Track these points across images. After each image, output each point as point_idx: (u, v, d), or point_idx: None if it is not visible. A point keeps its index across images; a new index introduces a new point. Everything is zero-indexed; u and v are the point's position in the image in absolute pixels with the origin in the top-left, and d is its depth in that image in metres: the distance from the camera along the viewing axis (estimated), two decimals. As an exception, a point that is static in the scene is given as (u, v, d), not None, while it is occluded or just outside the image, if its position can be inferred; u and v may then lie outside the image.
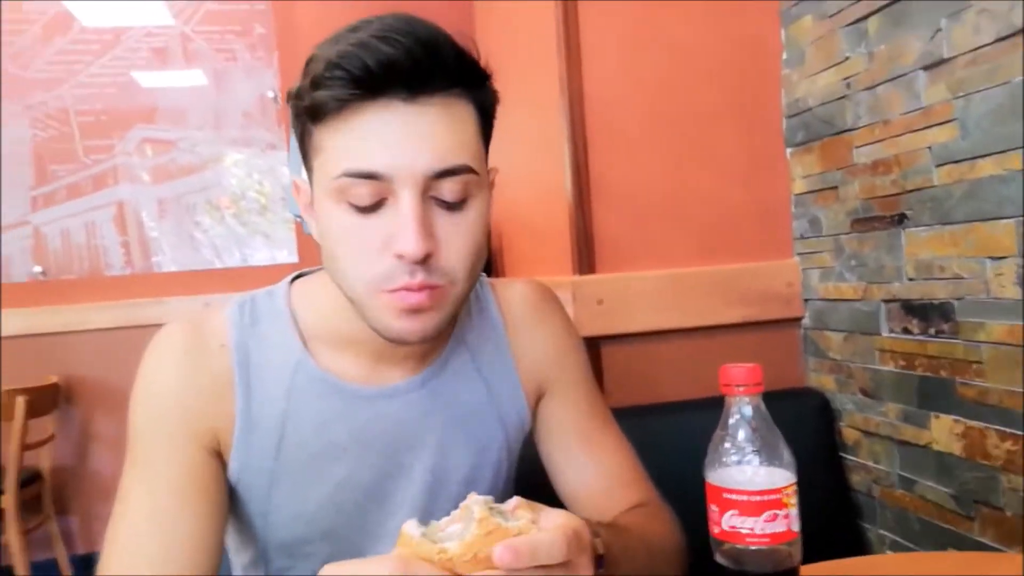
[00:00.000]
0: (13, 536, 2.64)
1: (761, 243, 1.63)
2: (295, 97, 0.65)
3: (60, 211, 3.10)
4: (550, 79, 1.60)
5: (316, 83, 0.61)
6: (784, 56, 1.61)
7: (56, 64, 3.09)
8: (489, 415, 0.82)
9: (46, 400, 2.84)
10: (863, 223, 1.41)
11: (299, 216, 2.32)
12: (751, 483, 0.61)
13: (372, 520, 0.77)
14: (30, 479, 2.81)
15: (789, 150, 1.63)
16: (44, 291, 3.08)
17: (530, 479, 0.87)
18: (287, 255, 3.27)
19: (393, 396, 0.77)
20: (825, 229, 1.53)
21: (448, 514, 0.56)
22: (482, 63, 0.66)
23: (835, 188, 1.48)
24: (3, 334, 3.01)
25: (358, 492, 0.76)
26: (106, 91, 3.13)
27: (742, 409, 0.63)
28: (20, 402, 2.62)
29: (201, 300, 3.12)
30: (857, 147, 1.41)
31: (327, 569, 0.51)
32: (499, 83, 0.70)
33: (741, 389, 0.62)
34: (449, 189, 0.63)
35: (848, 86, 1.41)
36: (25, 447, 2.66)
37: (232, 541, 0.82)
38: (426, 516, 0.76)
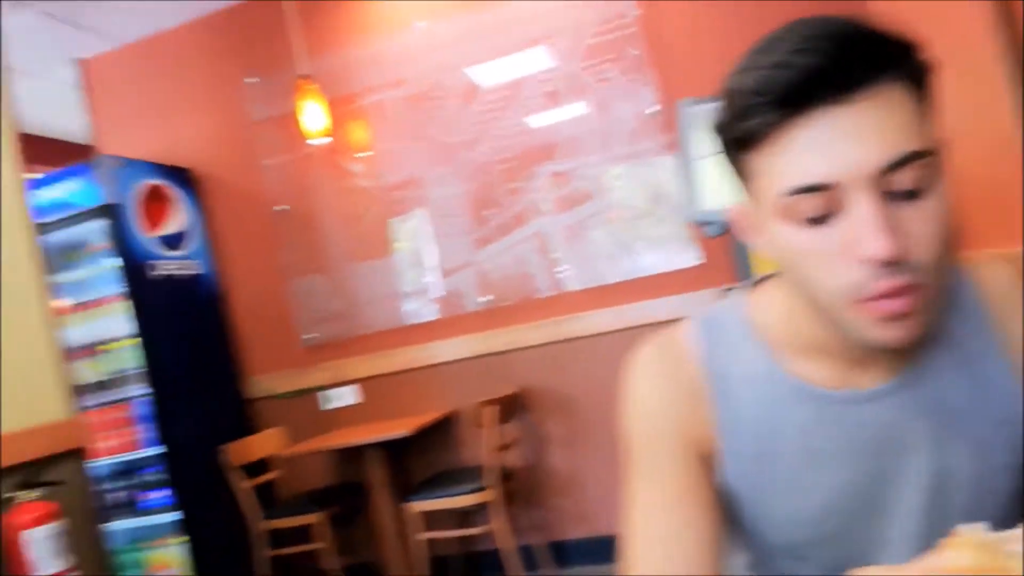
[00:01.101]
0: (498, 524, 3.17)
1: None
2: (722, 131, 0.67)
3: (495, 248, 3.66)
4: (976, 25, 1.44)
5: (743, 114, 0.62)
6: None
7: (473, 125, 3.66)
8: (984, 412, 0.74)
9: (510, 408, 3.35)
10: None
11: (702, 223, 2.41)
12: None
13: (873, 526, 0.76)
14: (504, 477, 3.33)
15: None
16: (492, 317, 3.66)
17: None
18: (687, 259, 3.38)
19: (871, 400, 0.73)
20: None
21: (954, 524, 0.51)
22: (904, 33, 0.61)
23: None
24: (465, 355, 3.66)
25: (851, 498, 0.75)
26: (514, 139, 3.61)
27: None
28: (488, 411, 3.14)
29: (610, 312, 3.40)
30: None
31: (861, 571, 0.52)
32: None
33: None
34: (903, 180, 0.60)
35: None
36: (498, 449, 3.18)
37: (731, 543, 0.85)
38: (930, 524, 0.73)
